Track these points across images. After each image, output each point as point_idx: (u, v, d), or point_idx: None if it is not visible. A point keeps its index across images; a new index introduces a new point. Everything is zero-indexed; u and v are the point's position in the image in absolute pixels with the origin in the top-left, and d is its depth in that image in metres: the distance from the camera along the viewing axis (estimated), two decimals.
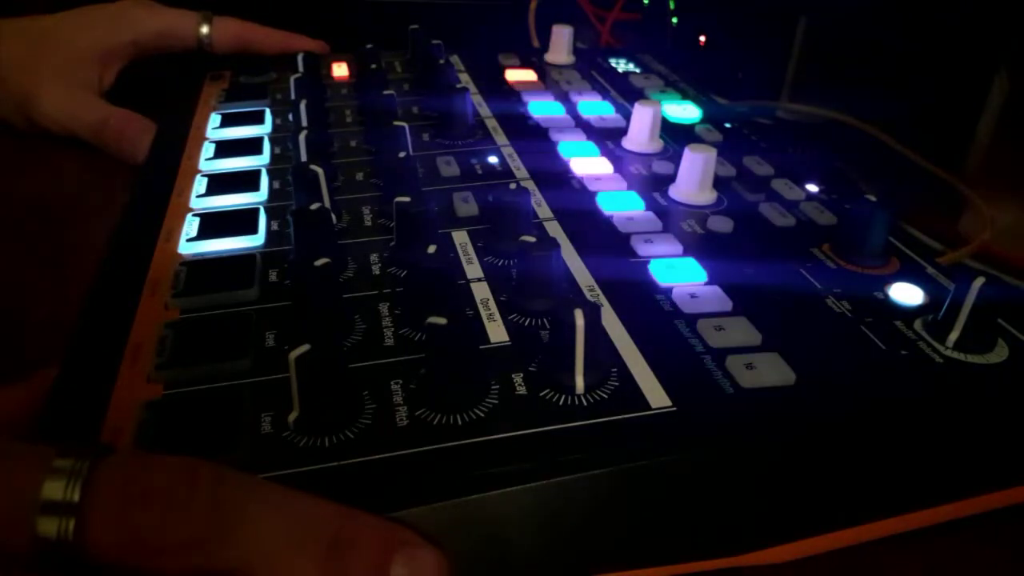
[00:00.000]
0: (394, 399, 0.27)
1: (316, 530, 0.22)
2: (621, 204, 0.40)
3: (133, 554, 0.21)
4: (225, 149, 0.45)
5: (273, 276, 0.34)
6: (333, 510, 0.22)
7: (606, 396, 0.28)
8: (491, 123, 0.49)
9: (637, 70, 0.60)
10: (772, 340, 0.30)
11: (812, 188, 0.43)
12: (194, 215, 0.38)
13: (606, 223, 0.39)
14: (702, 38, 0.69)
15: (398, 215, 0.35)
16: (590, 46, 0.71)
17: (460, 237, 0.37)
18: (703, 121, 0.51)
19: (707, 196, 0.41)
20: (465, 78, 0.57)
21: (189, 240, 0.36)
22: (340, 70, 0.58)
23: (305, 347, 0.25)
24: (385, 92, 0.47)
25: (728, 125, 0.51)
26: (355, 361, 0.29)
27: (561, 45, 0.60)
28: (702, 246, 0.37)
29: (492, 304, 0.32)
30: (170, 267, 0.34)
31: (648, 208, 0.40)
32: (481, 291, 0.33)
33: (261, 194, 0.41)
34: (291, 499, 0.22)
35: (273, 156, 0.45)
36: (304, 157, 0.41)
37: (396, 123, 0.43)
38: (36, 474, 0.21)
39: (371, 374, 0.28)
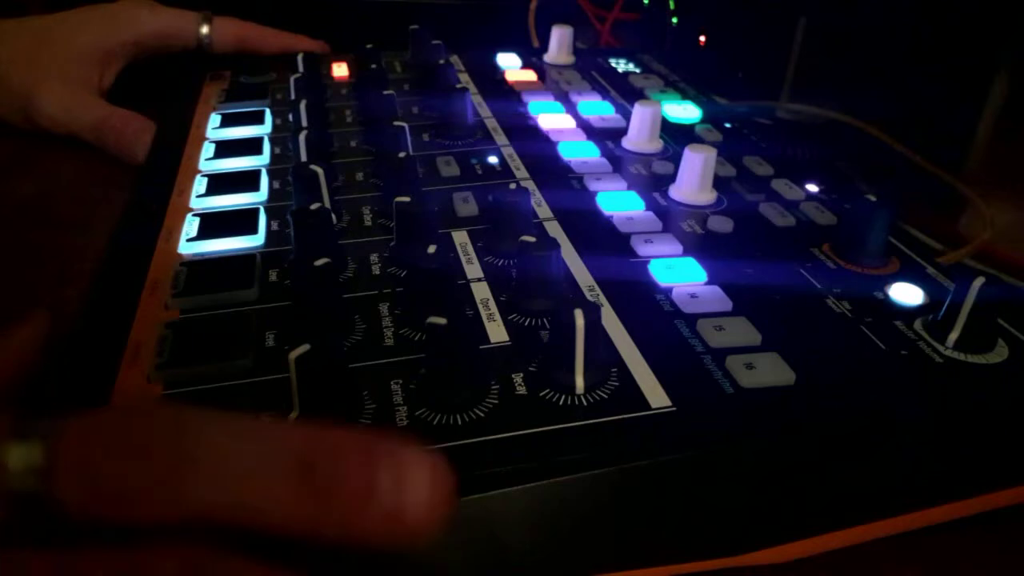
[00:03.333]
0: (394, 399, 0.27)
1: (286, 453, 0.20)
2: (621, 204, 0.40)
3: (105, 505, 0.20)
4: (225, 149, 0.45)
5: (273, 276, 0.34)
6: (302, 431, 0.21)
7: (606, 396, 0.28)
8: (491, 123, 0.49)
9: (637, 70, 0.60)
10: (772, 340, 0.30)
11: (812, 188, 0.43)
12: (194, 215, 0.38)
13: (606, 223, 0.39)
14: (702, 38, 0.69)
15: (398, 215, 0.35)
16: (590, 46, 0.71)
17: (460, 237, 0.37)
18: (703, 121, 0.51)
19: (707, 196, 0.41)
20: (465, 78, 0.57)
21: (189, 240, 0.36)
22: (340, 70, 0.58)
23: (305, 347, 0.25)
24: (385, 92, 0.47)
25: (728, 125, 0.51)
26: (355, 361, 0.29)
27: (561, 45, 0.60)
28: (702, 246, 0.37)
29: (492, 304, 0.32)
30: (170, 267, 0.34)
31: (648, 208, 0.40)
32: (481, 291, 0.33)
33: (261, 194, 0.41)
34: (256, 426, 0.21)
35: (273, 156, 0.45)
36: (304, 157, 0.41)
37: (396, 123, 0.43)
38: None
39: (371, 374, 0.28)
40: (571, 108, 0.52)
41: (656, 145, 0.46)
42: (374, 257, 0.36)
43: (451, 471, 0.20)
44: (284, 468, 0.20)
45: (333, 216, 0.36)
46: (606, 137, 0.48)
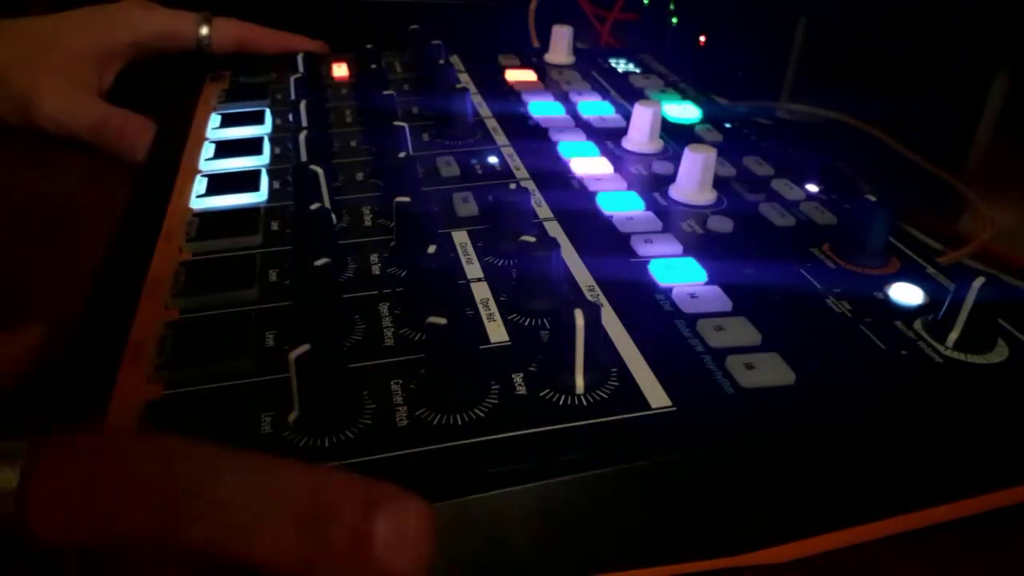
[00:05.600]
0: (394, 399, 0.27)
1: (290, 499, 0.20)
2: (621, 204, 0.40)
3: (82, 537, 0.19)
4: (225, 149, 0.45)
5: (273, 276, 0.34)
6: (307, 475, 0.21)
7: (606, 396, 0.28)
8: (491, 123, 0.49)
9: (637, 70, 0.60)
10: (772, 340, 0.30)
11: (812, 188, 0.43)
12: (194, 215, 0.38)
13: (606, 223, 0.39)
14: (702, 38, 0.69)
15: (398, 215, 0.35)
16: (590, 46, 0.71)
17: (460, 237, 0.37)
18: (703, 121, 0.51)
19: (707, 196, 0.41)
20: (465, 78, 0.57)
21: (189, 240, 0.36)
22: (340, 70, 0.58)
23: (305, 347, 0.25)
24: (385, 92, 0.47)
25: (728, 125, 0.51)
26: (355, 361, 0.29)
27: (561, 45, 0.60)
28: (702, 246, 0.37)
29: (492, 304, 0.32)
30: (170, 267, 0.34)
31: (648, 208, 0.40)
32: (481, 291, 0.33)
33: (261, 194, 0.41)
34: (261, 467, 0.21)
35: (273, 156, 0.45)
36: (304, 157, 0.41)
37: (396, 123, 0.43)
38: None
39: (371, 374, 0.28)
40: (571, 108, 0.52)
41: (656, 145, 0.46)
42: (374, 257, 0.36)
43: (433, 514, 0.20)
44: (290, 516, 0.20)
45: (333, 216, 0.36)
46: (606, 137, 0.48)
